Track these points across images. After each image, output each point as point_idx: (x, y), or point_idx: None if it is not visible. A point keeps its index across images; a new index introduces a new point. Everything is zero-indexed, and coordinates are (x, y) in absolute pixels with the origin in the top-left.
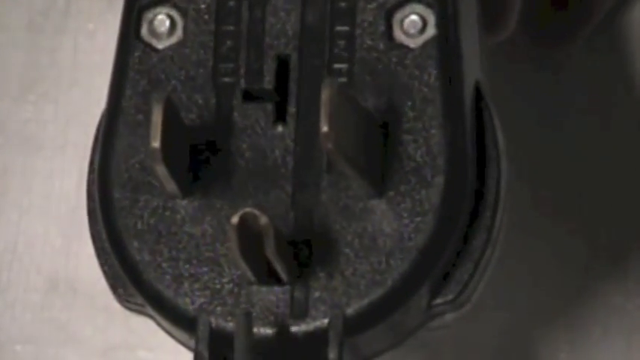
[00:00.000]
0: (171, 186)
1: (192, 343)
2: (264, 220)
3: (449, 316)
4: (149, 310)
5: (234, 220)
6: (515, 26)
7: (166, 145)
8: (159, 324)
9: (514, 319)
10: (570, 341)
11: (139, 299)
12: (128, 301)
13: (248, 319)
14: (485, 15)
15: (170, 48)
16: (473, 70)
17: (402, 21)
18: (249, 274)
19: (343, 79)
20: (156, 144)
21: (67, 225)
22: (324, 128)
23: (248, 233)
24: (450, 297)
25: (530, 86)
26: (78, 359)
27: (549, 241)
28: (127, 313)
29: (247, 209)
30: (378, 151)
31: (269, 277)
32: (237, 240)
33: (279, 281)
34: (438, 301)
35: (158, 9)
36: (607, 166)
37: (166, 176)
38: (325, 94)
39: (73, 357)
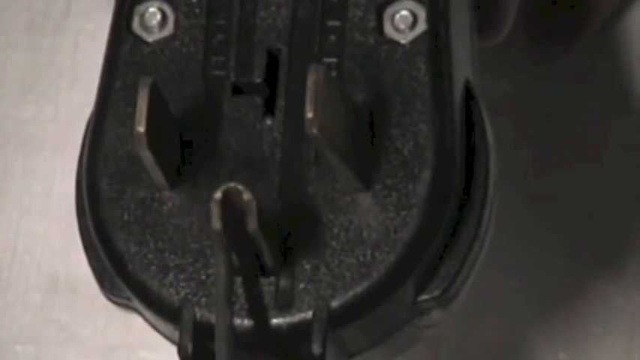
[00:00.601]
0: (157, 175)
1: (176, 335)
2: (247, 195)
3: (436, 314)
4: (135, 303)
5: (217, 195)
6: (517, 28)
7: (153, 132)
8: (145, 318)
9: (514, 318)
10: (570, 341)
11: (126, 292)
12: (115, 295)
13: (229, 310)
14: (480, 18)
15: (161, 41)
16: (463, 67)
17: (392, 16)
18: (234, 259)
19: (333, 73)
20: (141, 128)
21: (67, 225)
22: (309, 114)
23: (231, 210)
24: (436, 293)
25: (531, 86)
26: (78, 359)
27: (549, 240)
28: (127, 313)
29: (230, 184)
30: (366, 143)
31: (254, 265)
32: (220, 216)
33: (263, 273)
34: (424, 297)
35: (150, 2)
36: (607, 166)
37: (152, 164)
38: (311, 80)
39: (73, 357)
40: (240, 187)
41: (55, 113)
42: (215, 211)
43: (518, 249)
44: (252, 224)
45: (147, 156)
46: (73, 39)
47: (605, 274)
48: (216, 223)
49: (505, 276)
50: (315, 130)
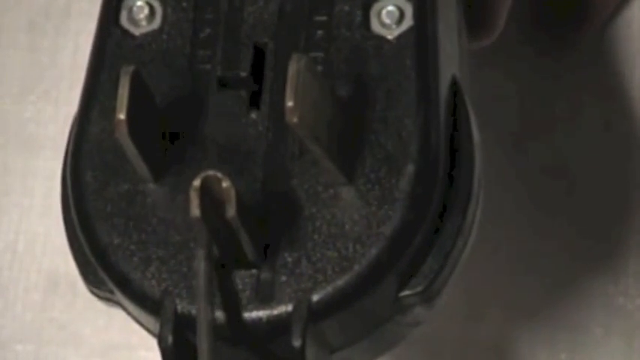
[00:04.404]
0: (140, 166)
1: (158, 327)
2: (225, 182)
3: (419, 311)
4: (117, 295)
5: (196, 182)
6: (517, 28)
7: (135, 121)
8: (127, 311)
9: (514, 319)
10: (571, 342)
11: (108, 285)
12: (98, 288)
13: (210, 301)
14: (471, 18)
15: (148, 34)
16: (450, 63)
17: (379, 12)
18: (214, 249)
19: (319, 68)
20: (121, 115)
21: None
22: (289, 102)
23: (211, 199)
24: (419, 289)
25: (532, 87)
26: (78, 359)
27: (549, 241)
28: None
29: (210, 172)
30: (350, 137)
31: (235, 256)
32: (199, 203)
33: (245, 265)
34: (407, 292)
35: None
36: (607, 165)
37: (134, 153)
38: (292, 68)
39: (73, 357)
40: (219, 174)
41: (55, 113)
42: (194, 199)
43: (517, 249)
44: (230, 211)
45: (127, 144)
46: (73, 39)
47: (605, 274)
48: (196, 211)
49: (505, 276)
50: (295, 119)
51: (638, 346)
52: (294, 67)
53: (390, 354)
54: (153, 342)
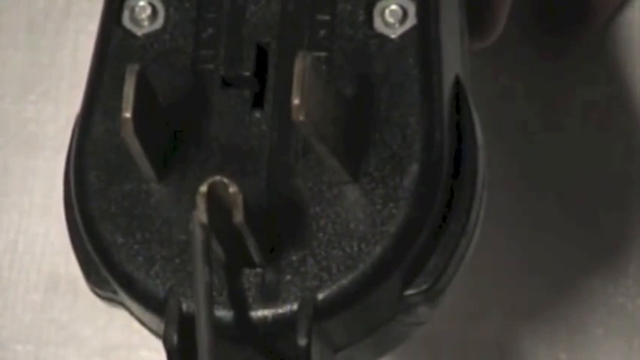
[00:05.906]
0: (144, 165)
1: (162, 327)
2: (233, 188)
3: (423, 310)
4: (121, 295)
5: (203, 188)
6: (518, 29)
7: (140, 120)
8: (130, 311)
9: (514, 319)
10: (571, 342)
11: (112, 285)
12: (101, 288)
13: (210, 300)
14: (472, 19)
15: (150, 34)
16: (452, 63)
17: (382, 11)
18: (219, 252)
19: (322, 67)
20: (127, 114)
21: None
22: (296, 100)
23: (217, 204)
24: (423, 287)
25: (532, 87)
26: (78, 359)
27: (550, 241)
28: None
29: (217, 177)
30: (354, 136)
31: (241, 257)
32: (206, 209)
33: (251, 264)
34: (411, 291)
35: None
36: (608, 167)
37: (139, 152)
38: (298, 66)
39: (73, 357)
40: (226, 180)
41: (56, 113)
42: (201, 204)
43: (518, 250)
44: (238, 217)
45: (133, 143)
46: (73, 39)
47: (606, 274)
48: (202, 216)
49: (505, 276)
50: (301, 117)
51: (638, 346)
52: (300, 64)
53: (391, 353)
54: (154, 342)
